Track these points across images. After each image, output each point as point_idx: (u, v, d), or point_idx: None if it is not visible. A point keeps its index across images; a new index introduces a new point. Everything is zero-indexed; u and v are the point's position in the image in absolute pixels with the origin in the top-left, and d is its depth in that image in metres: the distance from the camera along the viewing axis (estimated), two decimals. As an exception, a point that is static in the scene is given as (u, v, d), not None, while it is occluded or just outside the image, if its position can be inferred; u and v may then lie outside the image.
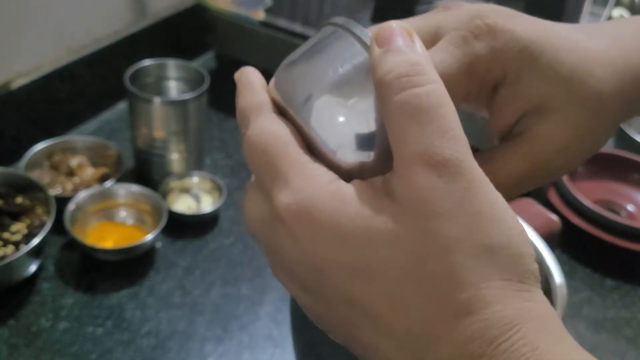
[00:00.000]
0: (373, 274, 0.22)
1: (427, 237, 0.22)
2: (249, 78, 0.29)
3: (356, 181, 0.24)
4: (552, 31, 0.31)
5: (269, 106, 0.27)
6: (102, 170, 0.83)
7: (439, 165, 0.22)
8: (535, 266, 0.23)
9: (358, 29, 0.27)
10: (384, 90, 0.24)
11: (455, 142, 0.22)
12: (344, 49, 0.26)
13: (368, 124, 0.25)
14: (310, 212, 0.23)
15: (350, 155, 0.25)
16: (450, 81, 0.28)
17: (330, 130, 0.25)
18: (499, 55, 0.30)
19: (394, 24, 0.25)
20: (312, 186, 0.24)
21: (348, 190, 0.24)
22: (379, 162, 0.25)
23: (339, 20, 0.28)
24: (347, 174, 0.25)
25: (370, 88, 0.25)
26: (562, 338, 0.22)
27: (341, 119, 0.25)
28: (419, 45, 0.25)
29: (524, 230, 0.23)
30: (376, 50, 0.25)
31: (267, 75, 0.29)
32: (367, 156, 0.25)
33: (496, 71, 0.31)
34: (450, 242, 0.22)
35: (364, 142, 0.25)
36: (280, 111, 0.27)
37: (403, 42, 0.25)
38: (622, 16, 1.19)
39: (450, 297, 0.21)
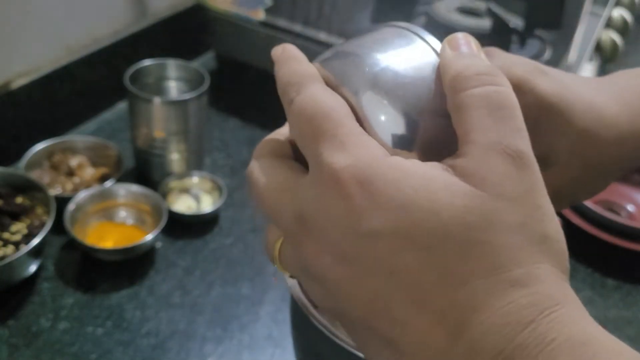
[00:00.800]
0: (431, 245, 0.23)
1: (495, 216, 0.23)
2: (293, 52, 0.29)
3: (414, 159, 0.25)
4: (570, 91, 0.35)
5: (320, 78, 0.27)
6: (102, 170, 0.83)
7: (515, 156, 0.24)
8: (568, 265, 0.25)
9: (424, 32, 0.28)
10: (461, 82, 0.25)
11: (527, 142, 0.24)
12: (409, 48, 0.28)
13: (407, 125, 0.26)
14: (370, 176, 0.23)
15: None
16: None
17: (377, 125, 0.26)
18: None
19: (460, 34, 0.28)
20: (371, 154, 0.24)
21: (409, 163, 0.24)
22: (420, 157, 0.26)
23: (402, 23, 0.29)
24: None
25: (423, 88, 0.26)
26: (593, 322, 0.24)
27: (382, 117, 0.26)
28: (484, 55, 0.27)
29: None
30: (449, 51, 0.27)
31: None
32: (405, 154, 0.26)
33: None
34: (515, 224, 0.23)
35: (401, 141, 0.26)
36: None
37: (470, 50, 0.27)
38: (622, 17, 1.18)
39: (508, 270, 0.23)
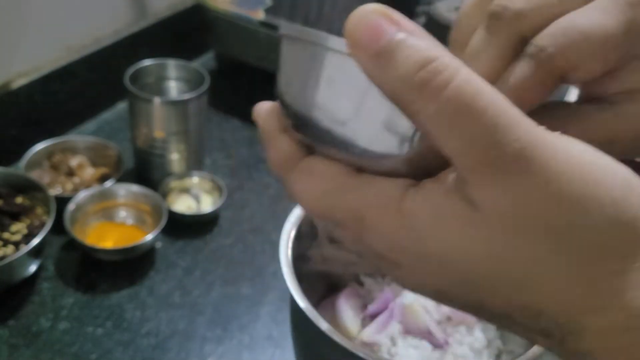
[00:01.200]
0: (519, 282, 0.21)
1: (533, 249, 0.21)
2: (267, 124, 0.27)
3: (426, 195, 0.23)
4: None
5: (298, 153, 0.26)
6: (102, 170, 0.83)
7: (512, 161, 0.20)
8: None
9: (324, 37, 0.23)
10: (410, 104, 0.21)
11: (513, 126, 0.20)
12: (343, 67, 0.23)
13: (401, 140, 0.23)
14: (408, 250, 0.23)
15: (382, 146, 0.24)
16: (606, 47, 0.26)
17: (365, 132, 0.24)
18: None
19: (369, 8, 0.21)
20: (393, 223, 0.23)
21: (424, 212, 0.22)
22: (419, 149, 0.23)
23: (289, 31, 0.25)
24: (401, 166, 0.24)
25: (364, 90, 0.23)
26: None
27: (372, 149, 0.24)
28: (407, 24, 0.21)
29: (627, 171, 0.21)
30: (364, 60, 0.21)
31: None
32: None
33: None
34: (581, 234, 0.20)
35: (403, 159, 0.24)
36: (303, 142, 0.26)
37: (395, 30, 0.21)
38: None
39: (603, 277, 0.20)
